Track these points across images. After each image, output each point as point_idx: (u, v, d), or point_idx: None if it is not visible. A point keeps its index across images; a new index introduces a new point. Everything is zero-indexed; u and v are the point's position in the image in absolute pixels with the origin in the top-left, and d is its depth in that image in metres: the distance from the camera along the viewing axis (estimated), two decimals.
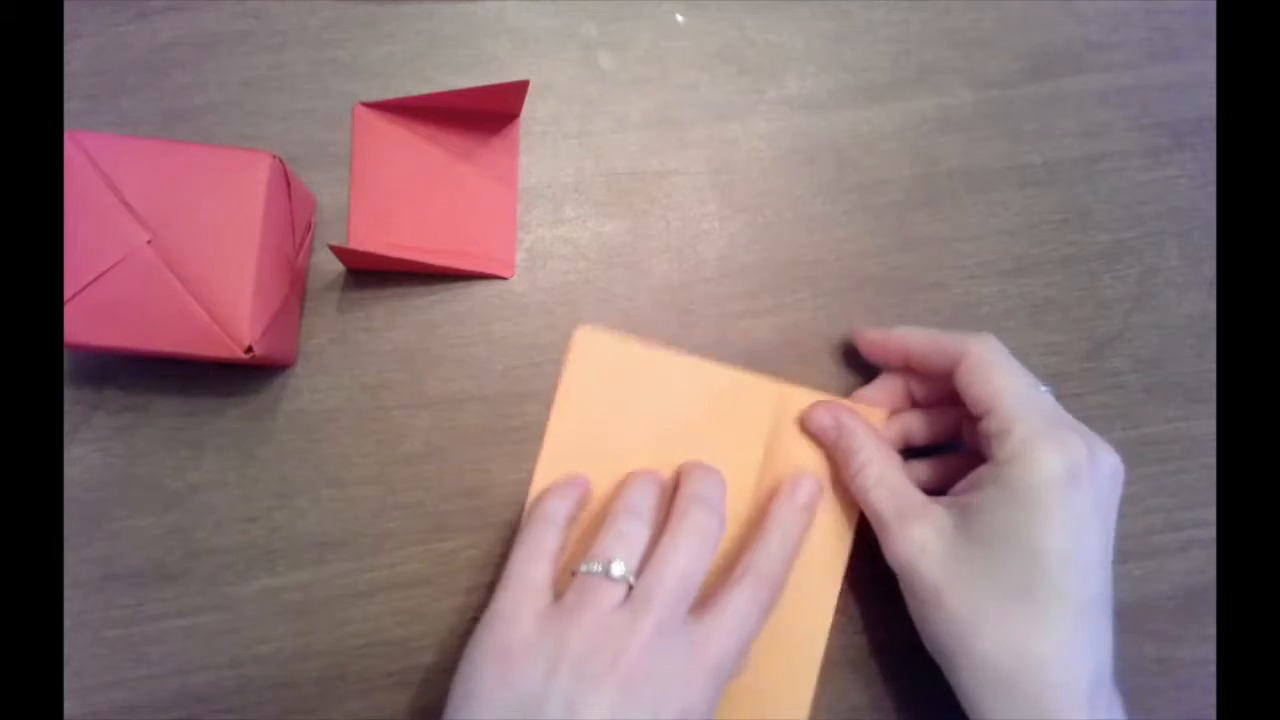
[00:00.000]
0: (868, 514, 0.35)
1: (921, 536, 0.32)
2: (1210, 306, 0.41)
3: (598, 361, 0.37)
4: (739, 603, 0.31)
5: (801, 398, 0.37)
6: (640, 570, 0.31)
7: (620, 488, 0.35)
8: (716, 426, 0.37)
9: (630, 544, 0.31)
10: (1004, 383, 0.33)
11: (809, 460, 0.37)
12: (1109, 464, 0.33)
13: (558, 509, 0.33)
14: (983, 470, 0.33)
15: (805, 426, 0.36)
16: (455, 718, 0.29)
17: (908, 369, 0.37)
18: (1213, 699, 0.37)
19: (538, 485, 0.36)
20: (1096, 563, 0.32)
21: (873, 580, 0.37)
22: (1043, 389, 0.34)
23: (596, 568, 0.30)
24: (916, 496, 0.34)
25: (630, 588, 0.30)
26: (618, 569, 0.30)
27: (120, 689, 0.35)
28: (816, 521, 0.36)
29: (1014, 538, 0.31)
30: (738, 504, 0.36)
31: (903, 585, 0.33)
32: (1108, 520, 0.32)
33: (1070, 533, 0.31)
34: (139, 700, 0.35)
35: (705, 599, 0.32)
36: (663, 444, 0.36)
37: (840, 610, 0.37)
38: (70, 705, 0.34)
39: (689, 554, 0.31)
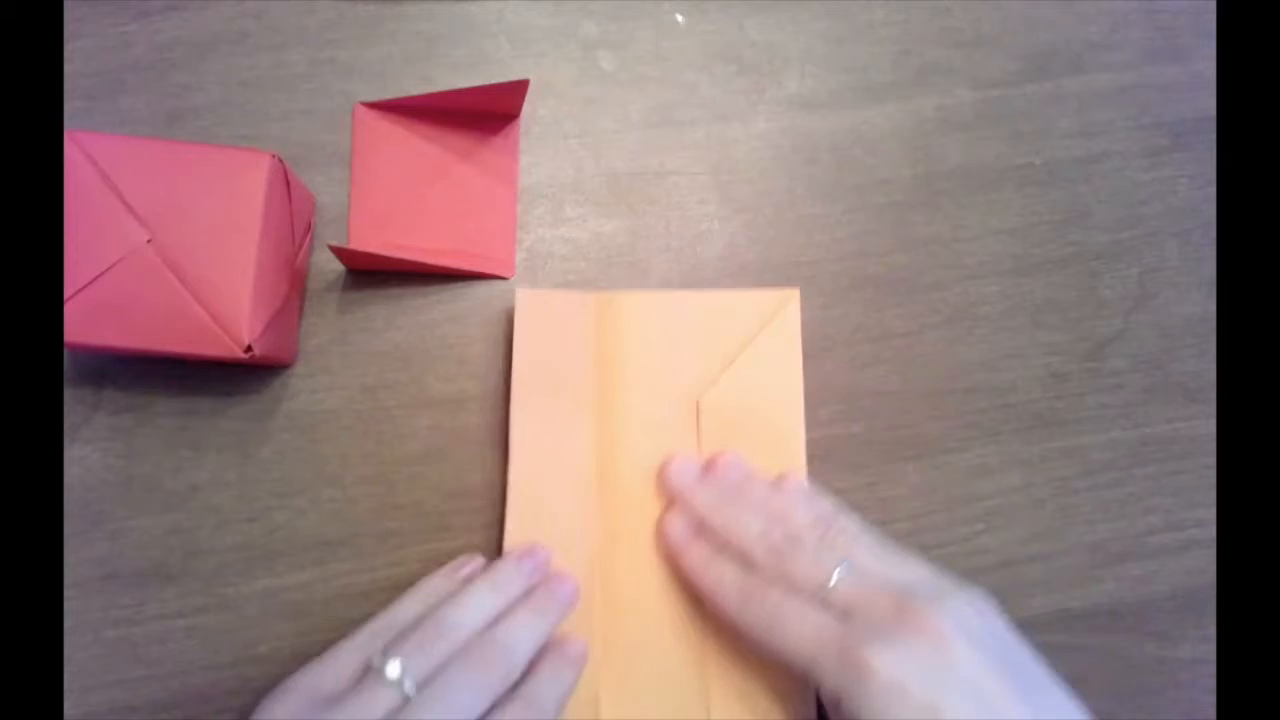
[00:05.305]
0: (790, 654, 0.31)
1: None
2: (1210, 306, 0.41)
3: (542, 316, 0.38)
4: None
5: (755, 299, 0.38)
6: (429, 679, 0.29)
7: (490, 569, 0.34)
8: (661, 347, 0.38)
9: (431, 649, 0.30)
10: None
11: (787, 365, 0.38)
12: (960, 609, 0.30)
13: (408, 610, 0.32)
14: None
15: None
16: None
17: None
18: (1213, 699, 0.37)
19: (515, 437, 0.36)
20: (993, 688, 0.28)
21: None
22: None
23: (389, 671, 0.29)
24: None
25: (408, 699, 0.28)
26: (397, 674, 0.29)
27: (120, 689, 0.35)
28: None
29: None
30: (686, 418, 0.37)
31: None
32: (983, 649, 0.29)
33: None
34: (139, 700, 0.35)
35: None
36: (613, 370, 0.37)
37: None
38: (70, 705, 0.34)
39: (470, 690, 0.29)
